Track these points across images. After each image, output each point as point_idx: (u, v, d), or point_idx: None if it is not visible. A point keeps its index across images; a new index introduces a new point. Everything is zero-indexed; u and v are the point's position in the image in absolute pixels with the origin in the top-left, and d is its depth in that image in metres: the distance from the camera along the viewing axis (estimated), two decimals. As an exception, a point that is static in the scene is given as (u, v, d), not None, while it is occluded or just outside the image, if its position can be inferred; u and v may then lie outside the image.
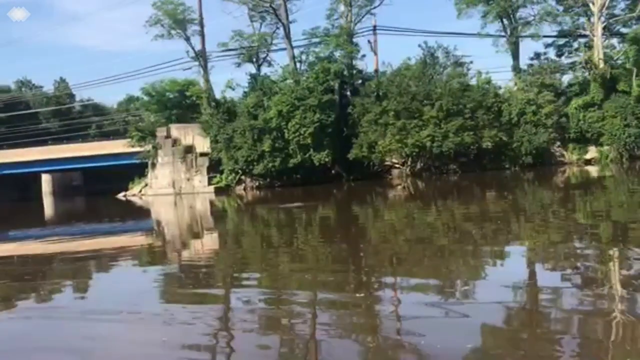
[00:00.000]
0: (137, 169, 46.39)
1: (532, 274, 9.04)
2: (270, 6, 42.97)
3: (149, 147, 43.68)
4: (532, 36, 44.19)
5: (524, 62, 46.34)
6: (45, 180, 63.43)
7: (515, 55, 45.15)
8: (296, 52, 43.33)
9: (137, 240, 18.87)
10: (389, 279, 9.26)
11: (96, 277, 12.16)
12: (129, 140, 45.14)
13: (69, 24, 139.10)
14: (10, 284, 11.65)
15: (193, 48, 43.99)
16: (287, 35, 42.59)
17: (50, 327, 7.90)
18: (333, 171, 39.25)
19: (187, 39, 43.88)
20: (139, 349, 6.37)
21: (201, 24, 43.58)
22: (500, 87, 42.18)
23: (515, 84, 42.51)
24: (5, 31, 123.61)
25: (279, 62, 49.02)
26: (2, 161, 52.82)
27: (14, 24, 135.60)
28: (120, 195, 45.93)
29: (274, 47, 45.93)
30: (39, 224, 29.43)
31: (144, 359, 6.06)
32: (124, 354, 6.23)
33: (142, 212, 33.43)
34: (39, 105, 78.16)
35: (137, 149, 44.07)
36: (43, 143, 57.31)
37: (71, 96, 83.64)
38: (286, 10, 42.19)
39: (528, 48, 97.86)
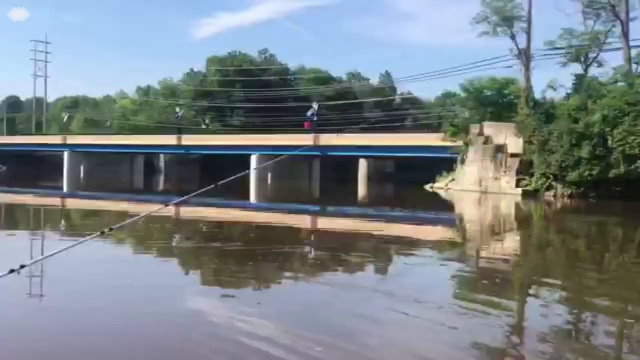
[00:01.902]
0: (443, 163, 47.36)
1: None
2: (609, 1, 39.37)
3: (460, 142, 44.20)
4: None
5: None
6: (362, 165, 68.76)
7: None
8: (633, 52, 39.08)
9: (437, 231, 19.37)
10: None
11: (394, 263, 12.79)
12: (442, 134, 46.20)
13: (399, 21, 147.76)
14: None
15: (517, 46, 42.87)
16: (625, 34, 38.54)
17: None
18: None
19: (512, 37, 42.92)
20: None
21: (529, 22, 42.01)
22: None
23: None
24: (339, 28, 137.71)
25: (610, 62, 44.68)
26: (329, 143, 58.95)
27: (349, 21, 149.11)
28: (427, 187, 47.51)
29: (606, 47, 42.11)
30: (352, 204, 32.42)
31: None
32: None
33: (445, 206, 34.10)
34: (364, 96, 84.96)
35: (448, 143, 44.88)
36: (363, 130, 62.28)
37: (393, 89, 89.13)
38: (627, 5, 38.20)
39: None
